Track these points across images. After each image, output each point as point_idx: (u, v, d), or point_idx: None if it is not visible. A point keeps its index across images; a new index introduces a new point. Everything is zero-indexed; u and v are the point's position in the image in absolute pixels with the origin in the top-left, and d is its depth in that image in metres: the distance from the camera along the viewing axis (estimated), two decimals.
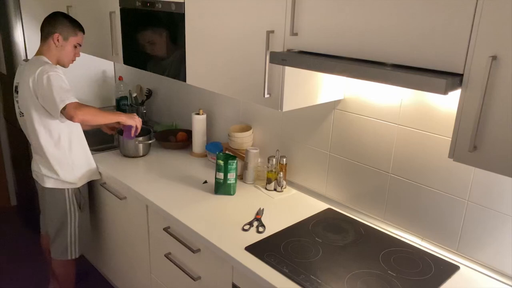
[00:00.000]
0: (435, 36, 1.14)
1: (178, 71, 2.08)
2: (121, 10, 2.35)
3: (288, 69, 1.58)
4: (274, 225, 1.79)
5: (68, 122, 2.09)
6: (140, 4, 2.17)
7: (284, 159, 2.13)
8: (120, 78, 3.22)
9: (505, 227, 1.47)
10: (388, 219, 1.81)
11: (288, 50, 1.54)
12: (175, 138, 2.70)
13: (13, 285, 2.83)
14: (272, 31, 1.57)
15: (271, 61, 1.50)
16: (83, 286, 2.81)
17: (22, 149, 3.20)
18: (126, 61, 2.43)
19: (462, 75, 1.11)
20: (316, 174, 2.06)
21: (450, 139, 1.17)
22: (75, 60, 2.24)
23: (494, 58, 1.04)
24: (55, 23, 2.12)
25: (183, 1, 1.93)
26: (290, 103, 1.64)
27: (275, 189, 2.11)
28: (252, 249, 1.61)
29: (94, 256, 2.83)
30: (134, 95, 3.10)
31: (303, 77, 1.65)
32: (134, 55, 2.36)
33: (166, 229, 1.91)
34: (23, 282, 2.85)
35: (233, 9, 1.72)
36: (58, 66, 2.15)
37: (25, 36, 2.90)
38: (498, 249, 1.49)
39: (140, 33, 2.27)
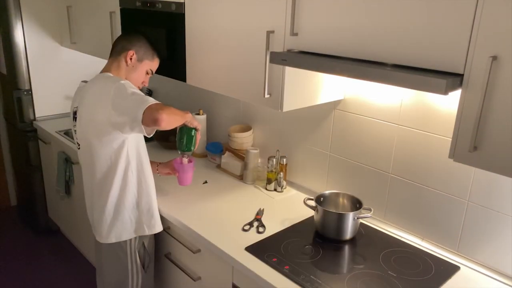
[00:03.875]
0: (435, 36, 1.14)
1: (178, 71, 2.08)
2: (121, 10, 2.35)
3: (288, 69, 1.58)
4: (274, 225, 1.79)
5: (137, 156, 1.74)
6: (140, 4, 2.17)
7: (284, 159, 2.13)
8: None
9: (505, 227, 1.46)
10: (388, 219, 1.80)
11: (288, 50, 1.54)
12: (175, 138, 2.69)
13: (12, 285, 2.82)
14: (272, 31, 1.57)
15: (271, 61, 1.50)
16: (82, 286, 2.81)
17: (22, 150, 3.20)
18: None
19: (462, 75, 1.11)
20: (316, 174, 2.06)
21: (450, 139, 1.17)
22: (141, 87, 1.85)
23: (494, 58, 1.04)
24: (132, 40, 1.79)
25: (183, 1, 1.93)
26: (290, 103, 1.64)
27: (275, 189, 2.11)
28: (252, 249, 1.61)
29: (94, 256, 2.83)
30: None
31: (303, 77, 1.65)
32: None
33: (166, 229, 1.90)
34: (22, 282, 2.85)
35: (233, 9, 1.72)
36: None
37: (25, 36, 2.90)
38: (498, 249, 1.49)
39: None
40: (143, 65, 1.80)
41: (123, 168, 1.70)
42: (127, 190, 1.74)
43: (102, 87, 1.65)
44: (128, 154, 1.70)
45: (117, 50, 1.78)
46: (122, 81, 1.63)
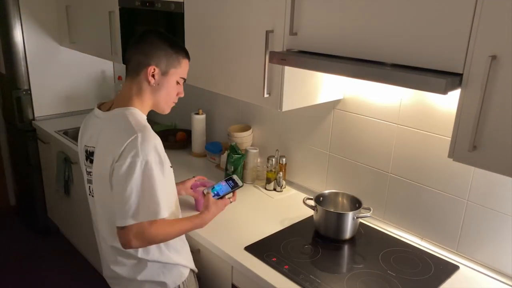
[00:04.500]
0: (434, 36, 1.14)
1: None
2: (120, 9, 2.35)
3: (288, 69, 1.58)
4: (273, 224, 1.79)
5: None
6: (139, 3, 2.17)
7: (284, 159, 2.12)
8: (120, 78, 3.22)
9: (504, 227, 1.46)
10: (388, 218, 1.80)
11: (288, 50, 1.54)
12: (174, 138, 2.70)
13: (12, 285, 2.82)
14: (272, 31, 1.57)
15: (271, 61, 1.50)
16: (82, 285, 2.81)
17: (21, 149, 3.19)
18: (125, 61, 2.42)
19: (461, 74, 1.11)
20: (316, 174, 2.06)
21: (450, 139, 1.17)
22: (176, 101, 1.50)
23: (493, 57, 1.04)
24: (147, 50, 1.38)
25: (182, 1, 1.93)
26: (290, 102, 1.64)
27: (274, 189, 2.11)
28: (252, 249, 1.61)
29: (93, 256, 2.83)
30: None
31: (303, 77, 1.65)
32: None
33: None
34: (21, 282, 2.85)
35: (232, 9, 1.72)
36: (147, 127, 1.36)
37: (24, 35, 2.89)
38: (498, 249, 1.49)
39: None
40: (171, 77, 1.42)
41: None
42: None
43: (116, 138, 1.30)
44: None
45: (133, 68, 1.41)
46: (149, 157, 1.28)
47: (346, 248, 1.66)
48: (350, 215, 1.65)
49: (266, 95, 1.64)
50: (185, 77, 1.48)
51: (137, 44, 1.41)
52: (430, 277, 1.49)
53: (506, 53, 1.02)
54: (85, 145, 1.44)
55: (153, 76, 1.38)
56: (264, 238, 1.69)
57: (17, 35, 2.87)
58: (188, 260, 1.57)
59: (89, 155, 1.41)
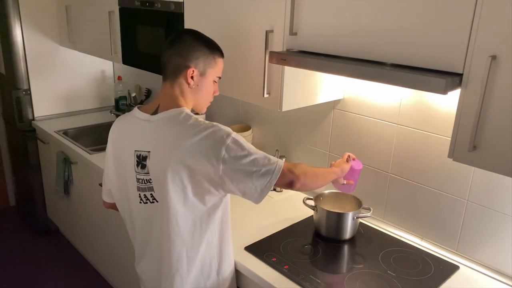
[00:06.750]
0: (434, 36, 1.14)
1: None
2: (120, 9, 2.35)
3: (288, 69, 1.58)
4: (273, 225, 1.79)
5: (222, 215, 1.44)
6: (139, 3, 2.17)
7: (284, 159, 2.12)
8: (119, 78, 3.21)
9: (505, 227, 1.46)
10: (388, 218, 1.80)
11: (288, 50, 1.54)
12: None
13: (12, 285, 2.82)
14: (272, 31, 1.57)
15: (271, 61, 1.50)
16: (81, 285, 2.81)
17: (21, 150, 3.19)
18: (125, 61, 2.43)
19: (461, 74, 1.11)
20: None
21: (450, 138, 1.17)
22: (212, 99, 1.50)
23: (493, 57, 1.04)
24: (185, 52, 1.37)
25: (182, 0, 1.93)
26: (290, 102, 1.64)
27: (274, 189, 2.11)
28: (252, 249, 1.61)
29: (93, 256, 2.83)
30: (133, 95, 3.09)
31: (303, 77, 1.65)
32: (133, 54, 2.36)
33: None
34: (21, 282, 2.85)
35: (232, 9, 1.72)
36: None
37: (24, 35, 2.89)
38: (498, 249, 1.49)
39: (139, 32, 2.26)
40: (208, 77, 1.41)
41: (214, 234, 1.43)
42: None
43: (204, 143, 1.28)
44: (222, 216, 1.44)
45: (171, 71, 1.38)
46: (233, 135, 1.33)
47: (346, 248, 1.66)
48: (350, 215, 1.65)
49: (266, 95, 1.64)
50: (221, 75, 1.47)
51: (173, 45, 1.38)
52: (430, 277, 1.49)
53: (506, 53, 1.02)
54: (135, 150, 1.35)
55: (191, 77, 1.37)
56: (264, 238, 1.69)
57: (17, 35, 2.87)
58: None
59: (142, 160, 1.34)
